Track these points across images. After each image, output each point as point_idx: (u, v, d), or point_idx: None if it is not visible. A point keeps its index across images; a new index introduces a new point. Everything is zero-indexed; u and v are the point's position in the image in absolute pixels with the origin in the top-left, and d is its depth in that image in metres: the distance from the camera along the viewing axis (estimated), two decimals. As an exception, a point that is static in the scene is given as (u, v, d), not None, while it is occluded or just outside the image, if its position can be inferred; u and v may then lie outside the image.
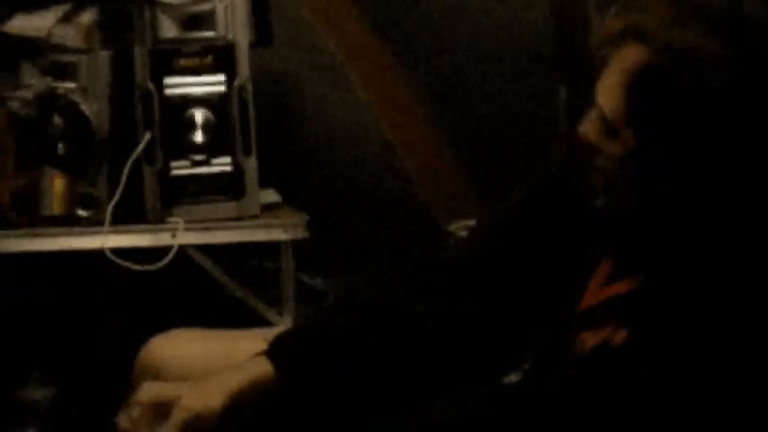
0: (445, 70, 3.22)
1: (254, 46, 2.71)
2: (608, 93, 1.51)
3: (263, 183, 2.72)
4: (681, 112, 1.47)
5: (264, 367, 1.59)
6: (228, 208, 2.67)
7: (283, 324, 2.58)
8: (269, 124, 2.80)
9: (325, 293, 3.12)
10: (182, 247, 2.62)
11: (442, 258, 1.76)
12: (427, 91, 3.24)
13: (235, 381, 1.57)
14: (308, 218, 2.71)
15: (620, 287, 1.59)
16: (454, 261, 1.73)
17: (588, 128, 1.54)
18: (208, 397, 1.55)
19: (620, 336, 1.53)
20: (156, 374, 1.73)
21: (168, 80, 2.63)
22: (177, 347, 1.78)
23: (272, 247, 2.75)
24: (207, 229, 2.66)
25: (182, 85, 2.64)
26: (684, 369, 1.47)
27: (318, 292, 3.12)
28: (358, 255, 3.12)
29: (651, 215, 1.53)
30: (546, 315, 1.67)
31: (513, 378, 1.69)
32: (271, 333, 1.68)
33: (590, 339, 1.58)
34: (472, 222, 3.01)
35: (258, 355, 1.60)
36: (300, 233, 2.69)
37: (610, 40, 1.52)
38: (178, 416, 1.54)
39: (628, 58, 1.49)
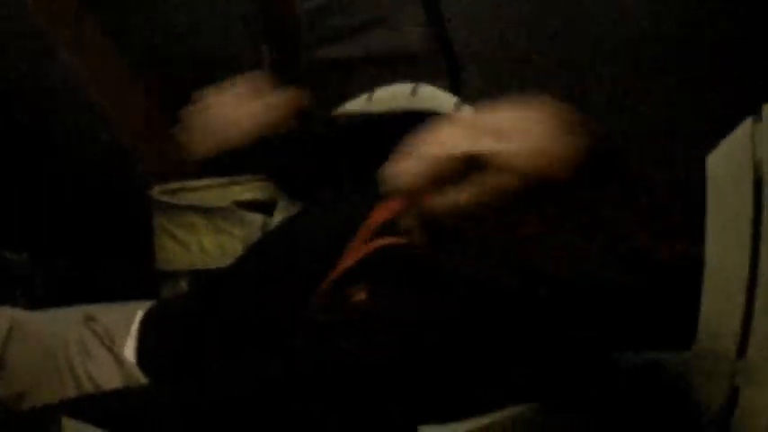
0: (155, 38, 3.12)
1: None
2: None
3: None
4: None
5: None
6: None
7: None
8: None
9: (31, 270, 2.98)
10: None
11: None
12: (140, 55, 3.14)
13: None
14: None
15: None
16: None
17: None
18: None
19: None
20: None
21: None
22: None
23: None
24: None
25: None
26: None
27: (25, 268, 2.98)
28: (64, 229, 3.00)
29: None
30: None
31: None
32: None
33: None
34: (181, 185, 2.95)
35: None
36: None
37: None
38: None
39: None
